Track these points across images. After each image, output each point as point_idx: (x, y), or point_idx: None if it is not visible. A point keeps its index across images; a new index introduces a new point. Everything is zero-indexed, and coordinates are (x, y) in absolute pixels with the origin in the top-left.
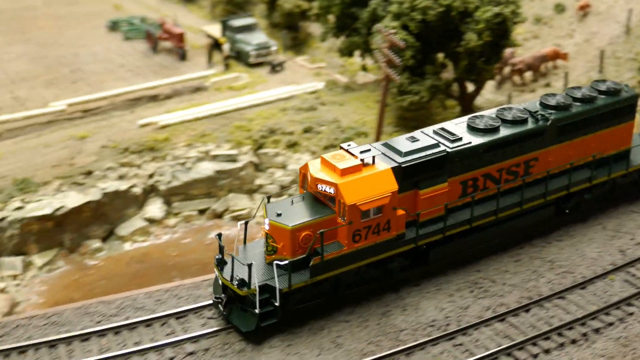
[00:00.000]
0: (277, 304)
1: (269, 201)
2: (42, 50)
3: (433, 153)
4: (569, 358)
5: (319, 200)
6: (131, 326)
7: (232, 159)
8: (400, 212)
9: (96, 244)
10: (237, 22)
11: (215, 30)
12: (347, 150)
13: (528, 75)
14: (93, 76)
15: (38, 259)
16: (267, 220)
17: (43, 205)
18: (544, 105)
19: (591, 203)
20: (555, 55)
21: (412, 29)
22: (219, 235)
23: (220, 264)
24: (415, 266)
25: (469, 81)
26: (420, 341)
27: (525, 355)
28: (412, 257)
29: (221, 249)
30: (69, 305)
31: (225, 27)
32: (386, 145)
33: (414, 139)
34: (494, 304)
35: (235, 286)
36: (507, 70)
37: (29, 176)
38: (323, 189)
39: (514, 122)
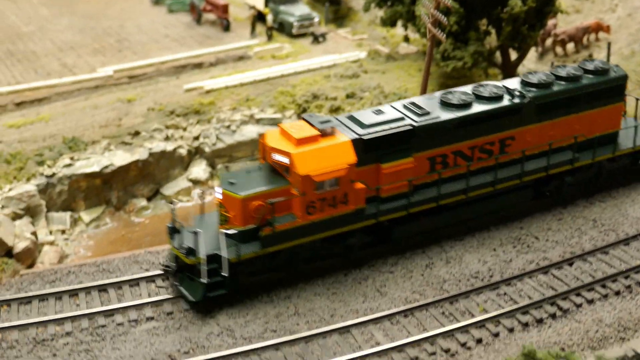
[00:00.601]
0: (225, 274)
1: (227, 170)
2: (88, 22)
3: (397, 126)
4: (612, 308)
5: (276, 171)
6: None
7: (276, 122)
8: (359, 185)
9: (142, 202)
10: None
11: (259, 2)
12: (307, 121)
13: (570, 46)
14: (138, 46)
15: (85, 215)
16: (219, 189)
17: (91, 163)
18: (524, 83)
19: (575, 188)
20: (598, 28)
21: None
22: (172, 202)
23: (172, 232)
24: (378, 244)
25: (512, 48)
26: (464, 290)
27: (568, 304)
28: (375, 233)
29: (173, 217)
30: (118, 254)
31: None
32: (350, 117)
33: (380, 112)
34: (537, 259)
35: (183, 254)
36: (549, 41)
37: (78, 135)
38: (278, 159)
39: (489, 99)
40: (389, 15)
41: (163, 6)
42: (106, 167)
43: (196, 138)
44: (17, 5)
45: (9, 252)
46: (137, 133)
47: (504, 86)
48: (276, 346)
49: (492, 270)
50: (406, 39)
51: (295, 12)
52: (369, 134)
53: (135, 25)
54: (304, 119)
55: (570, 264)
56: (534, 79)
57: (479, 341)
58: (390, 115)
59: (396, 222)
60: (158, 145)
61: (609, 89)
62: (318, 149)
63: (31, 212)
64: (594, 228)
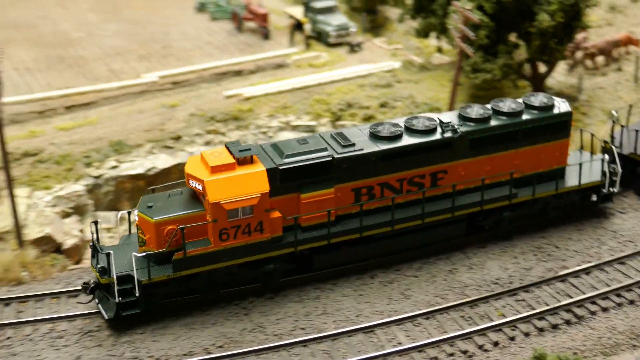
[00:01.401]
0: (137, 294)
1: (153, 192)
2: (135, 28)
3: (317, 157)
4: (626, 316)
5: (196, 196)
6: None
7: (311, 129)
8: (276, 214)
9: None
10: (319, 4)
11: (298, 12)
12: (228, 149)
13: (600, 59)
14: (182, 52)
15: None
16: (136, 212)
17: (136, 165)
18: (461, 117)
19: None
20: (628, 41)
21: (487, 9)
22: (95, 222)
23: (94, 251)
24: (302, 271)
25: (541, 61)
26: (484, 295)
27: (583, 312)
28: (296, 261)
29: (93, 237)
30: None
31: (307, 8)
32: (274, 145)
33: (303, 142)
34: (556, 267)
35: (98, 274)
36: (579, 54)
37: (123, 139)
38: (194, 185)
39: (420, 132)
40: (423, 27)
41: (206, 13)
42: (149, 169)
43: None
44: (68, 12)
45: (58, 249)
46: (178, 137)
47: (438, 119)
48: (304, 343)
49: (512, 277)
50: (439, 49)
51: (333, 22)
52: (286, 164)
53: (179, 32)
54: (225, 147)
55: (587, 273)
56: (471, 113)
57: (496, 344)
58: (313, 145)
59: (317, 252)
60: (198, 150)
61: (552, 125)
62: (231, 177)
63: (79, 210)
64: (613, 239)
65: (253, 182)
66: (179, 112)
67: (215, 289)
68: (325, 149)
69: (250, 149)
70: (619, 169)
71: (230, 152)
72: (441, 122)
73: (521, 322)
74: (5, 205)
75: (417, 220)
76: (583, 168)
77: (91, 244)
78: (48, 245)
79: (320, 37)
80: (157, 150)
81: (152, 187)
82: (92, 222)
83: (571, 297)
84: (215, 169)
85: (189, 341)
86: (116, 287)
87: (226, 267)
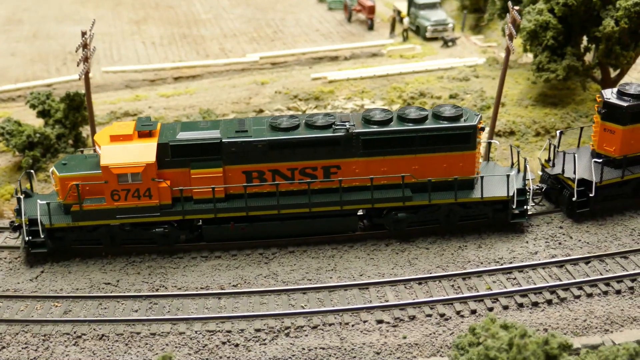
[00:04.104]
0: (42, 236)
1: (82, 152)
2: (257, 13)
3: (206, 138)
4: (607, 304)
5: None
6: None
7: None
8: (163, 184)
9: None
10: (422, 0)
11: (403, 6)
12: (138, 122)
13: None
14: (290, 37)
15: None
16: (54, 167)
17: None
18: (364, 119)
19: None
20: None
21: (557, 12)
22: (28, 174)
23: (25, 195)
24: (193, 240)
25: (609, 66)
26: (479, 269)
27: (567, 295)
28: (189, 230)
29: (18, 186)
30: None
31: (411, 3)
32: (181, 124)
33: (204, 124)
34: (561, 254)
35: (15, 214)
36: None
37: (212, 108)
38: (96, 149)
39: (314, 127)
40: (504, 26)
41: (325, 4)
42: None
43: None
44: None
45: None
46: (261, 111)
47: (340, 118)
48: (304, 290)
49: (515, 259)
50: (525, 49)
51: (432, 17)
52: (177, 140)
53: (294, 19)
54: (136, 121)
55: (587, 262)
56: (374, 116)
57: (473, 312)
58: (210, 128)
59: (206, 223)
60: None
61: (454, 135)
62: (125, 147)
63: None
64: (629, 236)
65: (143, 152)
66: (267, 89)
67: (116, 243)
68: (217, 132)
69: (152, 125)
70: (531, 187)
71: (136, 125)
72: (342, 121)
73: (504, 296)
74: None
75: (303, 208)
76: (498, 182)
77: (23, 189)
78: None
79: (418, 31)
80: None
81: (81, 149)
82: (26, 172)
83: (560, 281)
84: (114, 138)
85: (210, 278)
86: (24, 228)
87: (120, 224)
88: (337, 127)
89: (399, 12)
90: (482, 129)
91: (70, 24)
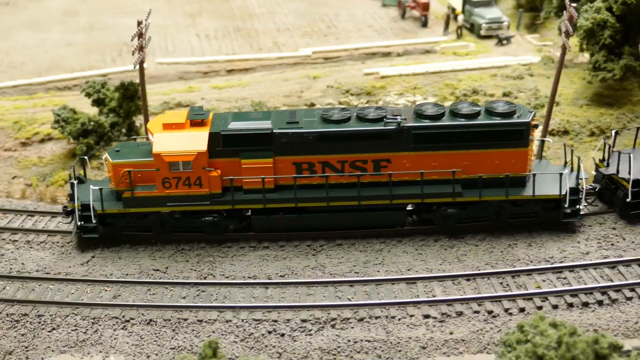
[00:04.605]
0: (94, 221)
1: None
2: (311, 8)
3: (258, 128)
4: None
5: None
6: None
7: None
8: (214, 173)
9: None
10: None
11: (458, 3)
12: (190, 112)
13: None
14: (343, 32)
15: None
16: (107, 154)
17: None
18: (416, 114)
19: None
20: None
21: (615, 10)
22: (82, 159)
23: (79, 181)
24: (241, 230)
25: None
26: (529, 268)
27: (619, 296)
28: (238, 220)
29: (71, 172)
30: None
31: (466, 1)
32: (234, 114)
33: (256, 114)
34: (613, 255)
35: (68, 200)
36: None
37: (264, 100)
38: (150, 138)
39: (366, 120)
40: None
41: (379, 0)
42: None
43: None
44: None
45: None
46: (312, 105)
47: (392, 112)
48: (351, 283)
49: (565, 258)
50: (582, 49)
51: (487, 15)
52: (228, 130)
53: (348, 14)
54: (188, 110)
55: None
56: (426, 110)
57: (522, 310)
58: (262, 118)
59: (255, 213)
60: None
61: (506, 132)
62: (177, 135)
63: None
64: None
65: (194, 141)
66: (319, 83)
67: (166, 230)
68: (268, 123)
69: (204, 114)
70: (584, 187)
71: (188, 114)
72: (393, 115)
73: (553, 295)
74: None
75: (352, 201)
76: (550, 180)
77: (77, 174)
78: None
79: (472, 28)
80: None
81: (133, 137)
82: (80, 158)
83: (612, 282)
84: (166, 126)
85: (258, 268)
86: (76, 213)
87: (170, 212)
88: (388, 121)
89: (453, 10)
90: (536, 126)
91: (125, 16)
